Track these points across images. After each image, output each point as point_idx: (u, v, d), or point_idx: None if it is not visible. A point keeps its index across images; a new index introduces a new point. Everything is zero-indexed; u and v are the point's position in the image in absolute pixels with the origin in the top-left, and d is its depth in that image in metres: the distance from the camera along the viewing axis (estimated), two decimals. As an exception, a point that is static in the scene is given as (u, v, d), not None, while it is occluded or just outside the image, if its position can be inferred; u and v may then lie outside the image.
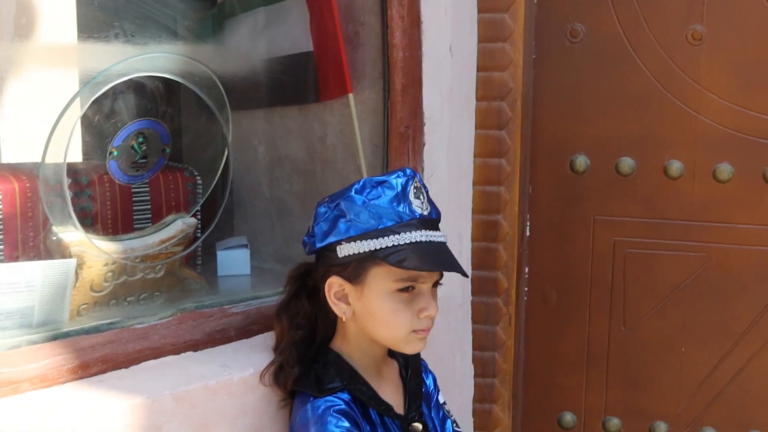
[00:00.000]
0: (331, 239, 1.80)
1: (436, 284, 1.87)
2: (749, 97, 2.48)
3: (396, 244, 1.77)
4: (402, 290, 1.79)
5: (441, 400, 2.06)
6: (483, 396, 2.66)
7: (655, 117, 2.56)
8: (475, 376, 2.66)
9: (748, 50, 2.48)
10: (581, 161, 2.62)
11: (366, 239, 1.78)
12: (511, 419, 2.72)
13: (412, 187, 1.83)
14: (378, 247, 1.77)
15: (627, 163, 2.58)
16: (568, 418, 2.72)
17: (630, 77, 2.56)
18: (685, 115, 2.53)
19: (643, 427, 2.67)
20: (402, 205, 1.80)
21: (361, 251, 1.78)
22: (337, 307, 1.82)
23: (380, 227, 1.79)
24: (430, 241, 1.81)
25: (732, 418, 2.60)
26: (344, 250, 1.79)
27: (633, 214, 2.62)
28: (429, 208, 1.86)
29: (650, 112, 2.56)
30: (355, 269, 1.80)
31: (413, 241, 1.78)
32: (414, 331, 1.80)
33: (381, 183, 1.82)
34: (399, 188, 1.81)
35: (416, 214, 1.81)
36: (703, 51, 2.50)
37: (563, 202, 2.67)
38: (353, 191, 1.82)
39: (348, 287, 1.81)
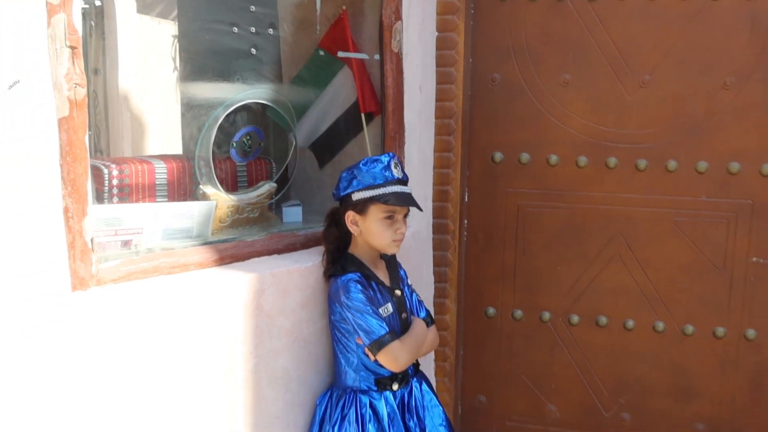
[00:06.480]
0: (349, 190, 2.04)
1: (405, 215, 2.08)
2: (596, 117, 2.65)
3: (384, 192, 2.00)
4: (386, 218, 2.02)
5: (409, 283, 2.24)
6: (439, 294, 2.79)
7: (541, 129, 2.70)
8: (435, 282, 2.79)
9: (596, 89, 2.63)
10: (498, 156, 2.76)
11: (368, 190, 2.01)
12: (456, 309, 2.84)
13: (392, 162, 2.04)
14: (374, 194, 2.00)
15: (525, 157, 2.73)
16: (491, 311, 2.86)
17: (526, 105, 2.70)
18: (559, 128, 2.69)
19: (536, 316, 2.82)
20: (387, 171, 2.02)
21: (365, 197, 2.01)
22: (352, 228, 2.05)
23: (375, 183, 2.01)
24: (402, 191, 2.03)
25: (588, 309, 2.77)
26: (356, 196, 2.02)
27: (529, 188, 2.76)
28: (403, 175, 2.08)
29: (538, 126, 2.70)
30: (361, 207, 2.02)
31: (393, 191, 2.01)
32: (393, 240, 2.04)
33: (376, 160, 2.04)
34: (385, 162, 2.03)
35: (395, 177, 2.03)
36: (569, 89, 2.66)
37: (487, 180, 2.79)
38: (360, 164, 2.04)
39: (358, 217, 2.04)
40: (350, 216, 2.06)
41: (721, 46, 2.52)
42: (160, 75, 3.25)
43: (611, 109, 2.64)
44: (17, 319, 1.47)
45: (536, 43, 2.67)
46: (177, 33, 2.92)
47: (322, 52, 2.59)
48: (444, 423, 2.16)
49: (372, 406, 2.04)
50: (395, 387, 2.07)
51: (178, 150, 2.57)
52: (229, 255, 2.02)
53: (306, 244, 2.26)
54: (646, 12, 2.57)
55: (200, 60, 2.37)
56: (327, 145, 2.74)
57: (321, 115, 2.71)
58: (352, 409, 2.03)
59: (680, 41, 2.55)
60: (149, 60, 3.29)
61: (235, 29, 2.43)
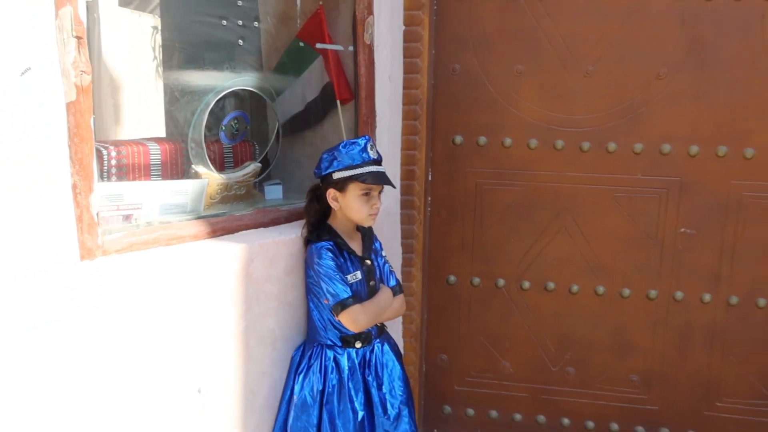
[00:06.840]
0: (330, 170, 2.07)
1: (380, 192, 2.13)
2: (545, 104, 2.67)
3: (362, 172, 2.05)
4: (363, 194, 2.07)
5: (383, 254, 2.28)
6: (407, 263, 2.81)
7: (497, 114, 2.71)
8: (403, 252, 2.80)
9: (545, 78, 2.65)
10: (458, 138, 2.77)
11: (347, 170, 2.05)
12: (421, 276, 2.86)
13: (368, 145, 2.08)
14: (353, 174, 2.05)
15: (482, 140, 2.75)
16: (452, 278, 2.89)
17: (483, 93, 2.70)
18: (512, 113, 2.71)
19: (492, 282, 2.86)
20: (364, 153, 2.06)
21: (345, 176, 2.05)
22: (333, 204, 2.10)
23: (353, 164, 2.05)
24: (377, 171, 2.08)
25: (537, 276, 2.82)
26: (336, 175, 2.06)
27: (486, 167, 2.77)
28: (377, 155, 2.12)
29: (494, 111, 2.71)
30: (341, 185, 2.07)
31: (369, 171, 2.05)
32: (370, 214, 2.09)
33: (353, 143, 2.08)
34: (362, 145, 2.07)
35: (371, 157, 2.08)
36: (522, 79, 2.67)
37: (449, 161, 2.79)
38: (340, 147, 2.08)
39: (338, 194, 2.09)
40: (331, 193, 2.10)
41: (655, 41, 2.57)
42: (142, 65, 3.24)
43: (559, 97, 2.68)
44: (34, 285, 1.51)
45: (493, 37, 2.69)
46: (156, 25, 2.92)
47: (302, 44, 2.61)
48: (401, 378, 2.24)
49: (335, 360, 2.13)
50: (358, 345, 2.14)
51: (161, 135, 2.61)
52: (220, 228, 2.06)
53: (289, 218, 2.30)
54: (589, 8, 2.61)
55: (191, 50, 2.37)
56: (296, 129, 2.76)
57: (293, 100, 2.73)
58: (318, 361, 2.12)
59: (620, 35, 2.60)
60: (132, 51, 3.29)
61: (224, 22, 2.45)
